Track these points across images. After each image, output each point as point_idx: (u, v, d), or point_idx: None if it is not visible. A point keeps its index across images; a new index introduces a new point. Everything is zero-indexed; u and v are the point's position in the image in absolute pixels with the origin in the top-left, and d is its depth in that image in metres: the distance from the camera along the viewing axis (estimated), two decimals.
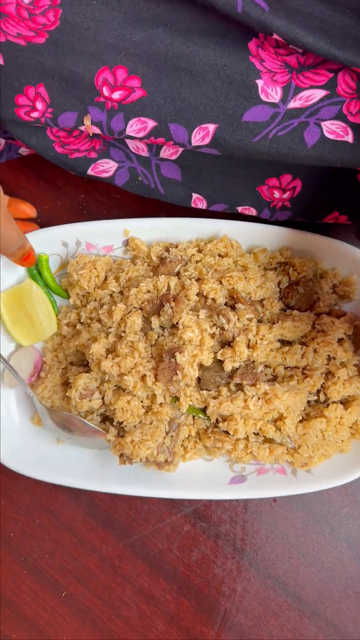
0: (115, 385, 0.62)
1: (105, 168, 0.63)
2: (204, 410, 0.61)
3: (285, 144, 0.52)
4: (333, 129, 0.51)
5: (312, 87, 0.50)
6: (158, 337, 0.61)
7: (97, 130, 0.54)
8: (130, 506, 0.68)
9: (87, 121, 0.54)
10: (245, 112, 0.51)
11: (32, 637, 0.66)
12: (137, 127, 0.53)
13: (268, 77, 0.50)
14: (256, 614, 0.67)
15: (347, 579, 0.67)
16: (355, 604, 0.67)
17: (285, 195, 0.63)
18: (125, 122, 0.53)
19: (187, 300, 0.60)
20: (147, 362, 0.59)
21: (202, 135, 0.53)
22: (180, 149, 0.60)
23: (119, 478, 0.63)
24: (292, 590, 0.67)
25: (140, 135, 0.54)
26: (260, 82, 0.50)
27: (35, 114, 0.54)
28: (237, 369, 0.60)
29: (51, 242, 0.66)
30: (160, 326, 0.61)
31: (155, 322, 0.61)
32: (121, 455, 0.60)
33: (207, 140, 0.53)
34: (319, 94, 0.50)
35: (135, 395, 0.59)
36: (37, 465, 0.64)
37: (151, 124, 0.53)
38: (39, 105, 0.53)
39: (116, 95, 0.52)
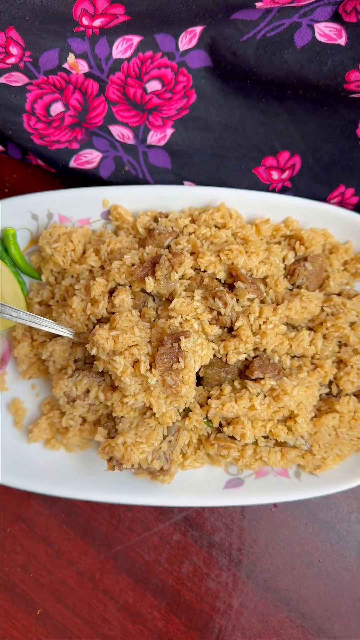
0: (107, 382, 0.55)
1: (89, 159, 0.60)
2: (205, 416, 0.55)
3: (274, 45, 0.51)
4: (326, 32, 0.50)
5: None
6: (154, 319, 0.53)
7: (84, 65, 0.52)
8: (112, 514, 0.63)
9: (70, 59, 0.51)
10: (235, 13, 0.49)
11: None
12: (123, 47, 0.52)
13: (270, 1, 0.48)
14: (255, 632, 0.62)
15: (356, 592, 0.63)
16: None
17: (285, 175, 0.61)
18: (110, 45, 0.51)
19: (177, 271, 0.52)
20: (144, 345, 0.51)
21: (188, 39, 0.52)
22: (169, 133, 0.58)
23: (100, 483, 0.57)
24: (294, 605, 0.62)
25: (128, 55, 0.52)
26: (259, 4, 0.48)
27: (11, 60, 0.51)
28: (250, 361, 0.54)
29: (18, 213, 0.60)
30: (151, 295, 0.55)
31: (150, 283, 0.52)
32: (110, 459, 0.53)
33: (194, 42, 0.52)
34: None
35: (123, 386, 0.51)
36: (7, 470, 0.57)
37: (137, 39, 0.52)
38: (14, 50, 0.50)
39: (97, 22, 0.49)
